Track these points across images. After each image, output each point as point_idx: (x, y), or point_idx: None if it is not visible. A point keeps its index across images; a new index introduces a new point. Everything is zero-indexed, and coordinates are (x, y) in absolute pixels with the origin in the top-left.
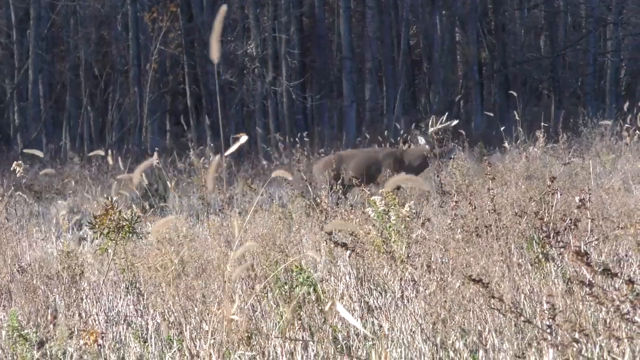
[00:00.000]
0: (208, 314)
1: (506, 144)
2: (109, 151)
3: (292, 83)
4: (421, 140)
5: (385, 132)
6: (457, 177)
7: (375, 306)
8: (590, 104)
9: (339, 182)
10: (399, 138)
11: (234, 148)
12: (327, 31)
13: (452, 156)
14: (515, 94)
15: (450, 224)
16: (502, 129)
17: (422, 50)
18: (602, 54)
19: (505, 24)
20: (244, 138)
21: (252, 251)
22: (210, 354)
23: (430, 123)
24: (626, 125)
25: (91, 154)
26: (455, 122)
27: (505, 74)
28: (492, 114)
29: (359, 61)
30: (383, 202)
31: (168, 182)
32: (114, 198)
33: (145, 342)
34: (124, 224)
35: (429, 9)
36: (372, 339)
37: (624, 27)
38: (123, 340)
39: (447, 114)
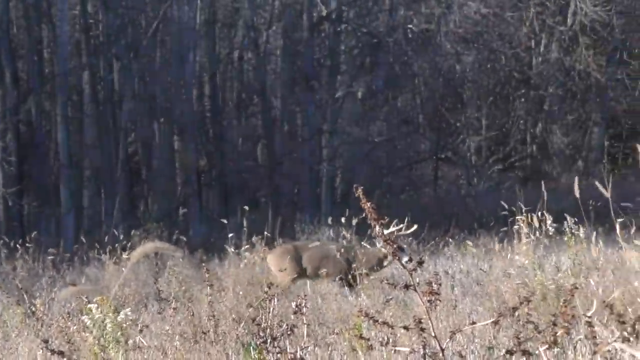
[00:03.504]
0: None
1: (229, 249)
2: None
3: (8, 190)
4: (378, 242)
5: (105, 238)
6: (174, 284)
7: None
8: (306, 211)
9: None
10: (117, 245)
11: None
12: (44, 139)
13: (406, 260)
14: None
15: (168, 330)
16: (230, 235)
17: (141, 157)
18: (318, 163)
19: (223, 132)
20: None
21: None
22: None
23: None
24: (343, 233)
25: None
26: (413, 228)
27: (224, 182)
28: (213, 220)
29: (77, 168)
30: (100, 309)
31: None
32: None
33: None
34: None
35: (147, 117)
36: None
37: (339, 136)
38: None
39: (407, 218)
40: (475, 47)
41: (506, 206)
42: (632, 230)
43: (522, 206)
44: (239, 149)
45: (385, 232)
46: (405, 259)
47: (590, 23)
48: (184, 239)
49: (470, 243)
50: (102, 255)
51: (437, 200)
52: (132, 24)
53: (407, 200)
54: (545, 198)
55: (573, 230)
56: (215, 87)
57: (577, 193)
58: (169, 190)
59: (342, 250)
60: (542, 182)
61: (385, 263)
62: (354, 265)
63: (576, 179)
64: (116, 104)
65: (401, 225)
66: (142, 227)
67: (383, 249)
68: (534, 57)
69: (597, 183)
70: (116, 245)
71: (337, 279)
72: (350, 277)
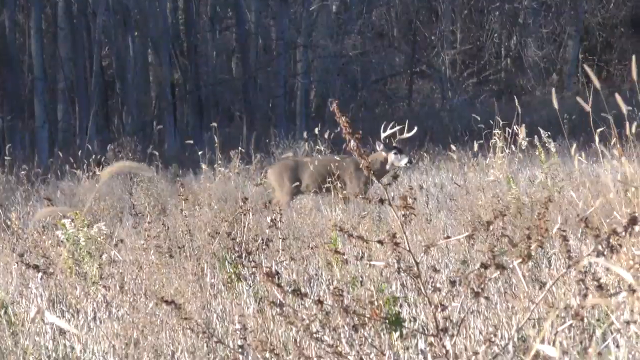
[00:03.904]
0: None
1: (203, 165)
2: None
3: None
4: (379, 146)
5: (79, 153)
6: (150, 198)
7: (68, 328)
8: (281, 126)
9: (298, 189)
10: (92, 159)
11: None
12: (18, 52)
13: (406, 163)
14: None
15: (143, 244)
16: (200, 152)
17: (115, 71)
18: (293, 76)
19: (197, 46)
20: None
21: None
22: None
23: (382, 129)
24: (317, 147)
25: None
26: (414, 131)
27: (198, 96)
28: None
29: (51, 82)
30: (73, 223)
31: None
32: None
33: None
34: None
35: (121, 31)
36: None
37: (313, 50)
38: None
39: (407, 122)
40: None
41: (479, 119)
42: (612, 142)
43: (499, 120)
44: (213, 62)
45: (384, 134)
46: (404, 160)
47: None
48: (156, 153)
49: (454, 156)
50: (77, 170)
51: (411, 114)
52: None
53: (382, 115)
54: (520, 111)
55: (546, 144)
56: (189, 0)
57: (555, 104)
58: (143, 104)
59: (347, 159)
60: (516, 96)
61: (387, 167)
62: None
63: (553, 90)
64: (90, 17)
65: (398, 128)
66: (116, 141)
67: (383, 153)
68: None
69: (578, 99)
70: (91, 159)
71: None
72: (356, 185)
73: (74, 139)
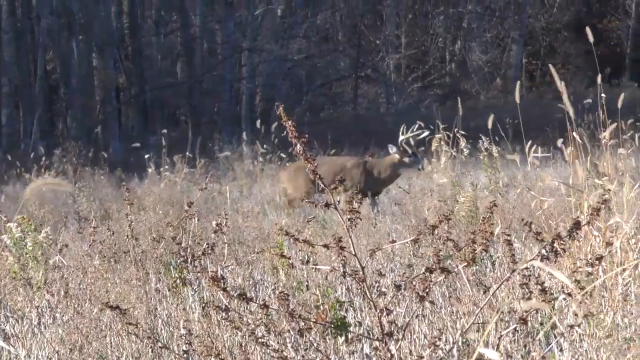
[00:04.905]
0: None
1: (150, 170)
2: None
3: None
4: (392, 149)
5: (24, 157)
6: (94, 203)
7: (12, 334)
8: (226, 130)
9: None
10: (41, 163)
11: None
12: None
13: (420, 167)
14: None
15: (88, 249)
16: (146, 156)
17: (60, 75)
18: (238, 80)
19: (143, 49)
20: None
21: None
22: None
23: (401, 132)
24: (261, 150)
25: None
26: (427, 132)
27: (143, 100)
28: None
29: None
30: (19, 228)
31: None
32: None
33: None
34: None
35: (65, 34)
36: None
37: (258, 54)
38: None
39: (417, 123)
40: None
41: (422, 125)
42: (552, 149)
43: (440, 124)
44: (158, 67)
45: (402, 137)
46: (418, 164)
47: None
48: (104, 155)
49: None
50: (27, 175)
51: (356, 118)
52: None
53: (327, 118)
54: (461, 115)
55: (489, 149)
56: (134, 3)
57: (517, 98)
58: (87, 108)
59: (356, 162)
60: (459, 99)
61: (399, 171)
62: (375, 176)
63: (518, 83)
64: (34, 21)
65: (420, 132)
66: (61, 146)
67: (397, 155)
68: None
69: (561, 106)
70: (41, 164)
71: (353, 191)
72: (368, 189)
73: (19, 143)
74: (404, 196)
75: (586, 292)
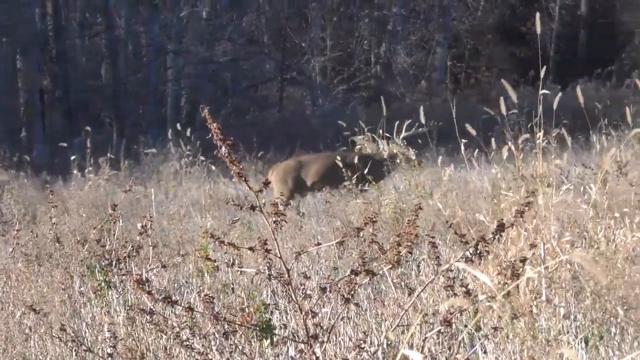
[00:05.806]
0: None
1: (76, 172)
2: None
3: None
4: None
5: None
6: (17, 206)
7: None
8: (151, 132)
9: (302, 189)
10: None
11: None
12: None
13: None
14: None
15: (11, 252)
16: (72, 158)
17: None
18: (163, 83)
19: (67, 51)
20: None
21: None
22: None
23: (395, 129)
24: (187, 152)
25: None
26: (425, 129)
27: (67, 102)
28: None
29: None
30: None
31: None
32: None
33: None
34: None
35: None
36: None
37: (183, 56)
38: None
39: (409, 121)
40: None
41: (344, 125)
42: (476, 151)
43: (363, 126)
44: (82, 69)
45: (401, 135)
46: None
47: None
48: (28, 158)
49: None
50: None
51: (282, 121)
52: None
53: (253, 121)
54: (385, 116)
55: (405, 153)
56: (58, 5)
57: (451, 101)
58: (11, 111)
59: (361, 155)
60: (383, 101)
61: (391, 166)
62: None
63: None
64: None
65: (420, 130)
66: None
67: (394, 149)
68: None
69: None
70: None
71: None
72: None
73: None
74: (329, 198)
75: (507, 294)
